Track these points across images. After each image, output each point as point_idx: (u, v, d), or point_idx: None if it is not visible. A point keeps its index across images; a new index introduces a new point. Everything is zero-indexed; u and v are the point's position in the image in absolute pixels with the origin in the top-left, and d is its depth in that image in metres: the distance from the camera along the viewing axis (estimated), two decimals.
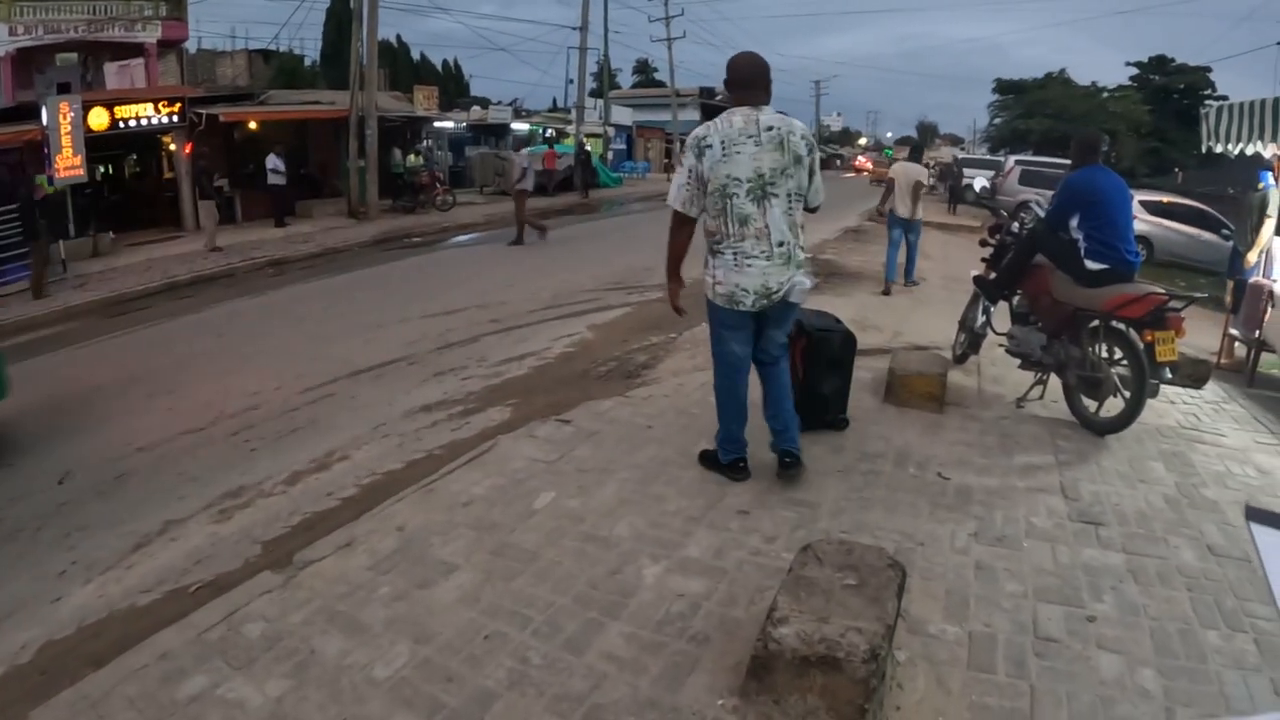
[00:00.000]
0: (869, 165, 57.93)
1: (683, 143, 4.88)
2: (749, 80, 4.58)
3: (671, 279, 4.85)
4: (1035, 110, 46.92)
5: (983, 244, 7.59)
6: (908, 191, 12.40)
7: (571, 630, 3.37)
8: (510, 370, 8.10)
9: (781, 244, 4.50)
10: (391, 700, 2.97)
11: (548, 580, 3.78)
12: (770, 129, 4.47)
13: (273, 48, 36.96)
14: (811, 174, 4.63)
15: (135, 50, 24.31)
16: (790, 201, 4.54)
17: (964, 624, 3.44)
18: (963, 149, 67.43)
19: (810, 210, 4.75)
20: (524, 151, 19.48)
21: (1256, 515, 0.87)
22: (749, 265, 4.50)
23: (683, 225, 4.66)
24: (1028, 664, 3.18)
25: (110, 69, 23.19)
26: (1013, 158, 31.96)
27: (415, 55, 53.15)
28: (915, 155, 14.62)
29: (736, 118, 4.50)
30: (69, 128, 16.18)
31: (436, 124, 32.00)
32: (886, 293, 12.16)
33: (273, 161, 21.30)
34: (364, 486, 5.34)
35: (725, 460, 4.99)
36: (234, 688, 3.07)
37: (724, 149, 4.45)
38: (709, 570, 3.86)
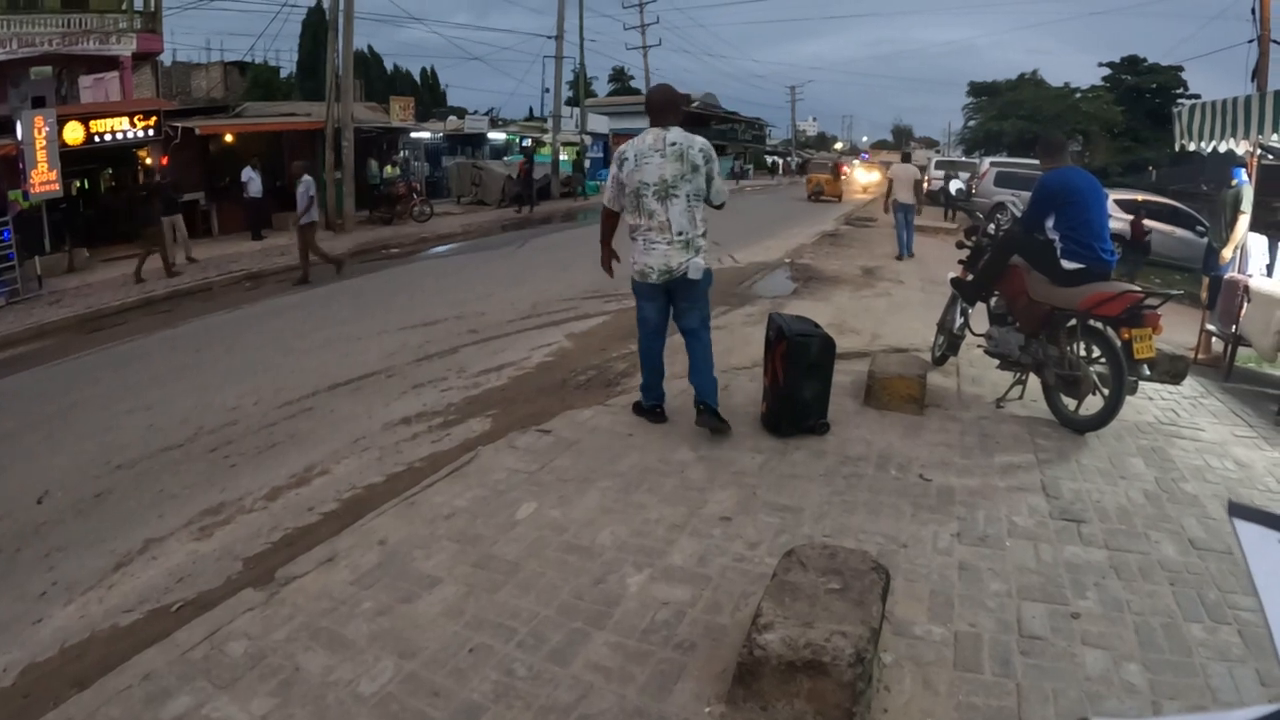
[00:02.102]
0: (844, 170, 57.85)
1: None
2: (660, 107, 5.87)
3: (604, 246, 6.26)
4: (1008, 112, 47.04)
5: (959, 246, 7.63)
6: (907, 186, 16.96)
7: (556, 641, 3.37)
8: (489, 381, 8.09)
9: (680, 233, 5.71)
10: (378, 716, 2.96)
11: (531, 591, 3.78)
12: (674, 144, 5.69)
13: (248, 60, 36.85)
14: (709, 179, 5.80)
15: (110, 63, 24.16)
16: (689, 201, 5.72)
17: (949, 624, 3.46)
18: (938, 151, 67.39)
19: (715, 207, 5.98)
20: (307, 178, 15.65)
21: (1239, 511, 0.87)
22: (653, 248, 5.75)
23: (610, 217, 6.10)
24: (1013, 662, 3.20)
25: (85, 82, 23.03)
26: (988, 159, 32.10)
27: (389, 66, 53.09)
28: (907, 159, 19.68)
29: (649, 136, 5.77)
30: (44, 142, 16.07)
31: (413, 134, 31.97)
32: (900, 258, 16.71)
33: (248, 174, 21.20)
34: (345, 501, 5.31)
35: (647, 405, 6.29)
36: (219, 707, 3.05)
37: (636, 161, 5.73)
38: (693, 577, 3.86)
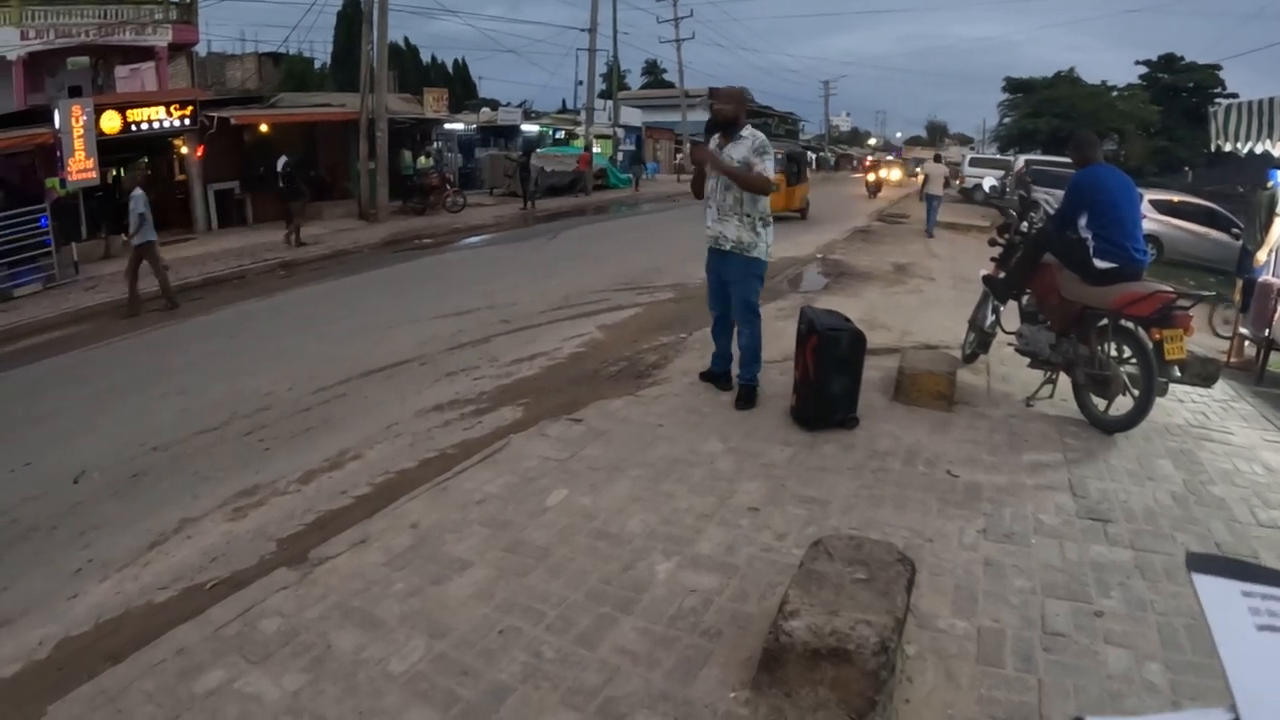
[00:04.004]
0: (868, 166, 56.43)
1: (692, 142, 6.17)
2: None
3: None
4: (1043, 109, 46.49)
5: (992, 243, 7.61)
6: (937, 180, 21.63)
7: (585, 625, 3.42)
8: (521, 370, 8.14)
9: None
10: (408, 694, 3.01)
11: (561, 576, 3.83)
12: None
13: (283, 51, 37.01)
14: None
15: (146, 54, 24.44)
16: None
17: (972, 619, 3.47)
18: (972, 148, 66.29)
19: None
20: (138, 192, 13.24)
21: (1198, 564, 0.83)
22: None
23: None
24: (1035, 658, 3.21)
25: (121, 72, 23.28)
26: (1022, 157, 31.85)
27: (425, 58, 53.26)
28: (938, 159, 24.36)
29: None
30: (81, 131, 16.25)
31: (446, 126, 32.08)
32: (928, 235, 20.68)
33: (283, 163, 21.29)
34: (377, 485, 5.38)
35: (758, 381, 6.48)
36: (251, 681, 3.13)
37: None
38: (720, 566, 3.90)
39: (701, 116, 50.15)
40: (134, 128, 19.26)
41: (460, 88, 49.42)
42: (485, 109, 39.24)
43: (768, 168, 6.08)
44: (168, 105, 20.12)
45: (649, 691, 2.98)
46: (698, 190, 6.49)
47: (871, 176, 38.79)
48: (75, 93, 21.49)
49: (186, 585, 4.26)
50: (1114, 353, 5.94)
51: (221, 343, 10.38)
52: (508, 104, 42.22)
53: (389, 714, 2.93)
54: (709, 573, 3.84)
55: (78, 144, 16.23)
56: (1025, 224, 7.02)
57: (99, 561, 4.76)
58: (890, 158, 66.65)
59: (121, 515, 5.44)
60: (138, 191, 13.23)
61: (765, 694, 2.84)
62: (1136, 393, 5.68)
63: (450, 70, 55.11)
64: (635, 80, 78.83)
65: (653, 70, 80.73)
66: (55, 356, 10.45)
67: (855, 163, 71.99)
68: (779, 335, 8.16)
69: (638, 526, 4.32)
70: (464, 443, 6.04)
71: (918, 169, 34.87)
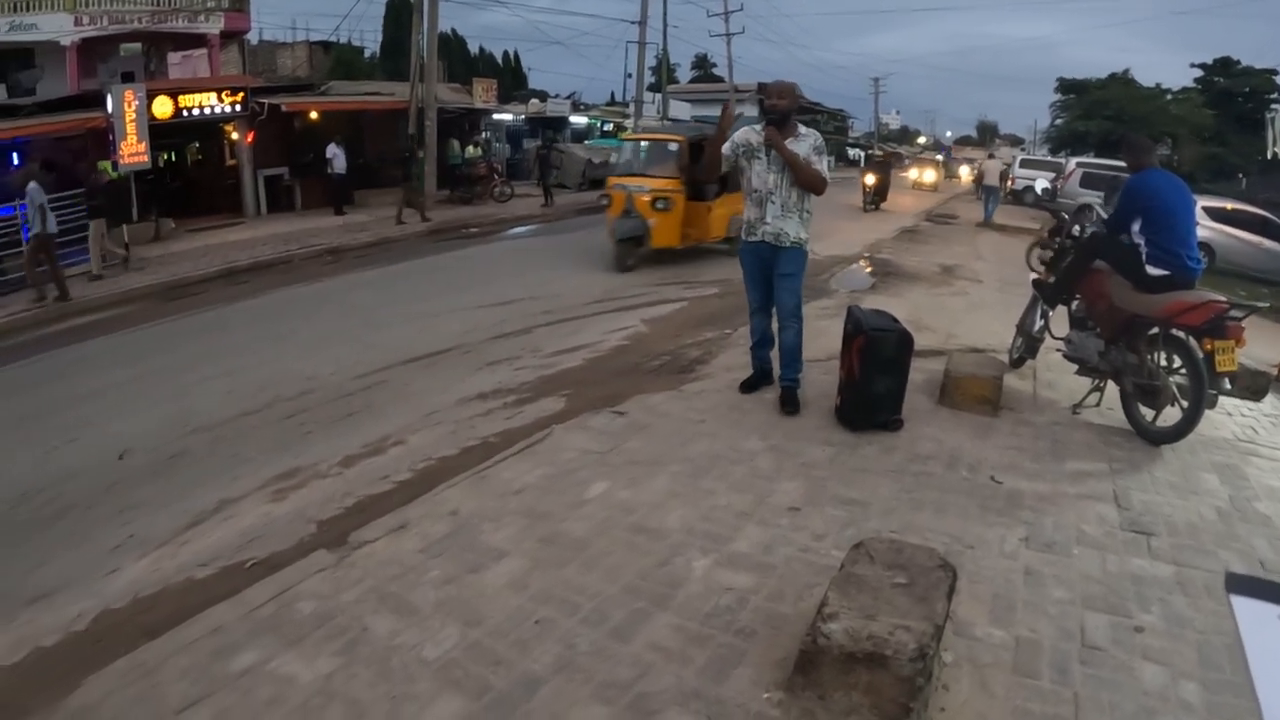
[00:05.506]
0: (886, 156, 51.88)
1: (768, 125, 5.95)
2: None
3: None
4: (1094, 111, 45.71)
5: (1043, 247, 7.51)
6: (994, 174, 25.29)
7: (619, 619, 3.41)
8: (563, 361, 8.14)
9: None
10: (440, 680, 3.03)
11: (597, 569, 3.83)
12: None
13: (333, 39, 37.29)
14: None
15: (198, 41, 24.81)
16: None
17: (1010, 629, 3.43)
18: (1023, 150, 64.67)
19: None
20: (33, 185, 12.91)
21: (1237, 585, 0.79)
22: None
23: None
24: (1072, 671, 3.16)
25: (173, 59, 23.63)
26: (1074, 160, 31.46)
27: (474, 48, 53.49)
28: (992, 157, 28.72)
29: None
30: (133, 115, 16.47)
31: (495, 116, 32.19)
32: (984, 223, 23.59)
33: (333, 150, 21.47)
34: (417, 471, 5.41)
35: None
36: (285, 663, 3.17)
37: None
38: (758, 565, 3.88)
39: (751, 111, 49.98)
40: (185, 113, 19.51)
41: (509, 79, 49.60)
42: (534, 100, 39.28)
43: (824, 168, 6.10)
44: (219, 91, 20.37)
45: (681, 689, 2.98)
46: (710, 173, 6.60)
47: (870, 178, 26.18)
48: (128, 78, 21.76)
49: (224, 565, 4.32)
50: (1164, 362, 5.82)
51: (267, 327, 10.50)
52: (556, 95, 42.29)
53: (421, 700, 2.95)
54: (746, 571, 3.82)
55: (130, 128, 16.45)
56: (1077, 228, 6.91)
57: (138, 539, 4.84)
58: (940, 157, 62.81)
59: (161, 495, 5.51)
60: (33, 185, 13.06)
61: (798, 696, 2.82)
62: (1185, 404, 5.57)
63: (499, 61, 55.32)
64: (684, 74, 78.54)
65: (702, 64, 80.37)
66: (102, 337, 10.64)
67: (906, 160, 66.41)
68: (822, 334, 8.12)
69: (676, 522, 4.31)
70: (505, 432, 6.06)
71: (969, 167, 35.99)
